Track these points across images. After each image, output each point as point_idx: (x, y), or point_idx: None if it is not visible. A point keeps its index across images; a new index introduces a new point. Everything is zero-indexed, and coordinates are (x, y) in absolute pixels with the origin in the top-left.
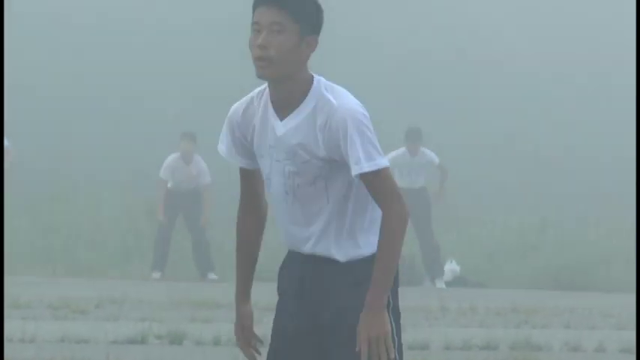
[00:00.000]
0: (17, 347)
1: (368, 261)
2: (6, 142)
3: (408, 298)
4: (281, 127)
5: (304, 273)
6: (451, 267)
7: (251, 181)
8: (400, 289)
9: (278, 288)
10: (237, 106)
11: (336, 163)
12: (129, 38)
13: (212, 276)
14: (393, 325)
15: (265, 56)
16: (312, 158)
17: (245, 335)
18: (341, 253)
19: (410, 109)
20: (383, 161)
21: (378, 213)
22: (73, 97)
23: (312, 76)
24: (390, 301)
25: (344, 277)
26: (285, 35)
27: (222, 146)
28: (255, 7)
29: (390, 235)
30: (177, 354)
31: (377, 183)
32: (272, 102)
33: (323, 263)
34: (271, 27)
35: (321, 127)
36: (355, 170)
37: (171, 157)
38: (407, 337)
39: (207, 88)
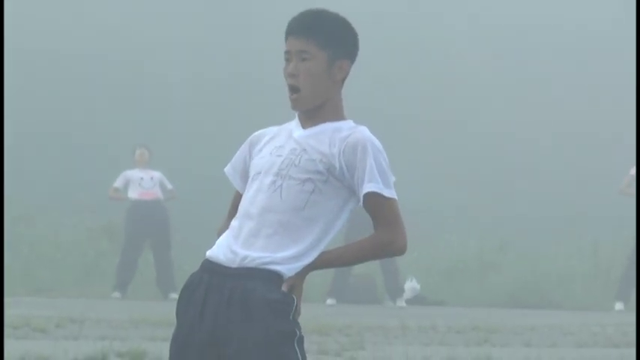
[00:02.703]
0: None
1: (280, 282)
2: None
3: (368, 316)
4: (301, 132)
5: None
6: (411, 285)
7: (237, 209)
8: (361, 308)
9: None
10: (259, 131)
11: (334, 182)
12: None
13: (173, 295)
14: (299, 356)
15: (295, 84)
16: (318, 160)
17: None
18: (274, 257)
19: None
20: (395, 194)
21: (318, 250)
22: (37, 118)
23: (345, 116)
24: (297, 331)
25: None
26: (313, 62)
27: (229, 166)
28: (285, 37)
29: (379, 248)
30: None
31: (389, 210)
32: (299, 117)
33: (247, 279)
34: (299, 55)
35: (342, 139)
36: (370, 188)
37: (128, 170)
38: (367, 355)
39: (165, 113)
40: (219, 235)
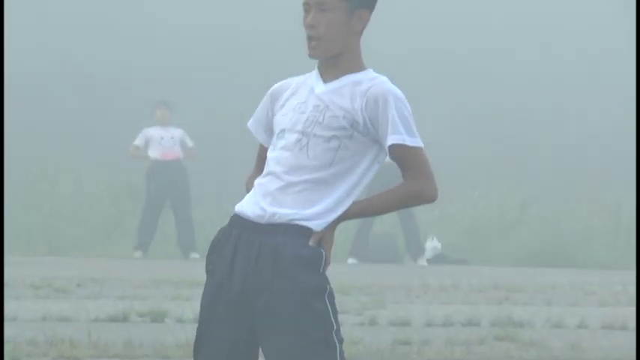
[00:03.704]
0: None
1: (309, 236)
2: None
3: (389, 275)
4: (322, 87)
5: (250, 249)
6: (432, 244)
7: (265, 158)
8: (382, 267)
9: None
10: (278, 83)
11: (359, 137)
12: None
13: (194, 255)
14: (330, 309)
15: (315, 35)
16: (341, 117)
17: None
18: (301, 215)
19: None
20: (421, 142)
21: (347, 204)
22: (56, 75)
23: (365, 65)
24: (327, 286)
25: (293, 258)
26: (333, 13)
27: (252, 121)
28: None
29: (409, 197)
30: (158, 331)
31: (417, 160)
32: (319, 69)
33: (269, 233)
34: (319, 6)
35: (363, 93)
36: (394, 140)
37: (148, 128)
38: (388, 314)
39: (189, 71)
40: (247, 187)
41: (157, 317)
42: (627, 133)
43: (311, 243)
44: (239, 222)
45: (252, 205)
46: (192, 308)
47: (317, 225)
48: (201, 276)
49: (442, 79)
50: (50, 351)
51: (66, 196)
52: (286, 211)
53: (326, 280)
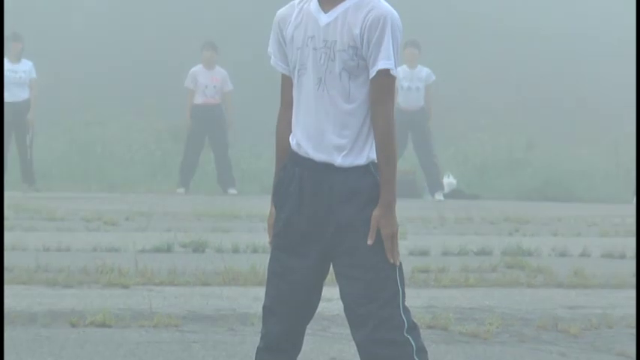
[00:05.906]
0: (54, 256)
1: (362, 170)
2: (34, 75)
3: (409, 209)
4: (325, 18)
5: (315, 180)
6: (449, 180)
7: (290, 89)
8: (402, 202)
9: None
10: (281, 10)
11: (362, 61)
12: None
13: (232, 191)
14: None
15: None
16: (347, 47)
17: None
18: (350, 158)
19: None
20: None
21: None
22: (103, 30)
23: None
24: None
25: (347, 187)
26: None
27: (270, 49)
28: None
29: (391, 134)
30: (199, 261)
31: (391, 86)
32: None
33: (329, 171)
34: None
35: (363, 17)
36: (385, 65)
37: (194, 68)
38: (408, 244)
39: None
40: (278, 130)
41: (198, 247)
42: (626, 84)
43: None
44: (297, 160)
45: (301, 149)
46: (230, 239)
47: (365, 156)
48: (239, 210)
49: (456, 32)
50: (100, 278)
51: (116, 140)
52: (334, 156)
53: None
